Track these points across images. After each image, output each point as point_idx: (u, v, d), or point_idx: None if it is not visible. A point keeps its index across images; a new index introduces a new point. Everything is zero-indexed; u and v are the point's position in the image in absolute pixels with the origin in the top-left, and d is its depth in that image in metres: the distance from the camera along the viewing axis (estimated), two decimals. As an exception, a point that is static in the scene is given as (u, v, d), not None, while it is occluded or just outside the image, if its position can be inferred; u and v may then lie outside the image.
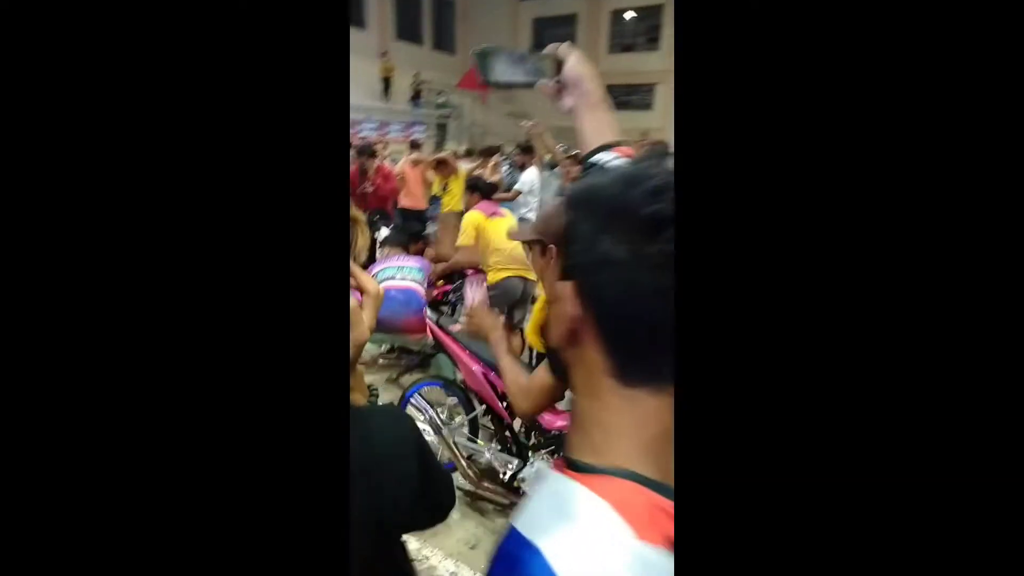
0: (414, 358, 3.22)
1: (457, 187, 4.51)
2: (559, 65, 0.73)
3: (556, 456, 0.45)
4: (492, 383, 2.02)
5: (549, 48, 0.73)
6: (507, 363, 1.11)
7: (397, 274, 2.64)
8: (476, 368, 2.06)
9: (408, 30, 13.57)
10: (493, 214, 2.93)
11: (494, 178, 4.55)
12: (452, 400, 2.32)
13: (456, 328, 2.17)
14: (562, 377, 0.50)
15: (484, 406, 2.14)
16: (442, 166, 4.79)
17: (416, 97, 12.10)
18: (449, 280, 3.28)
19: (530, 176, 4.48)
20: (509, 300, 2.87)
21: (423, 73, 12.38)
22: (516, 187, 4.46)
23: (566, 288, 0.42)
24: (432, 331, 2.24)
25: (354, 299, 0.69)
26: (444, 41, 14.79)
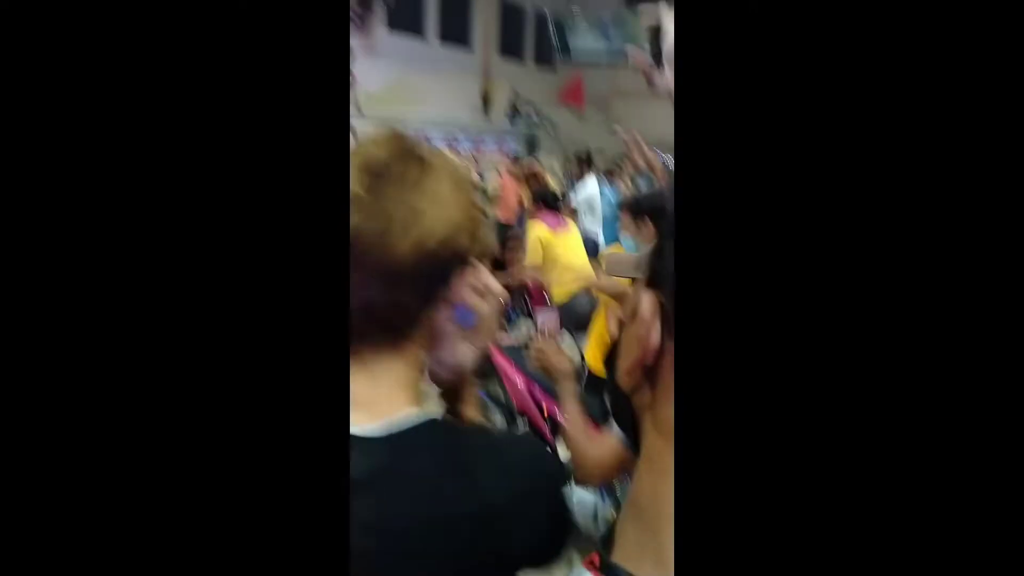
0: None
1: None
2: (657, 33, 0.54)
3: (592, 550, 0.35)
4: (536, 399, 1.92)
5: (646, 7, 0.54)
6: (574, 417, 1.00)
7: None
8: (519, 381, 1.98)
9: (511, 47, 13.86)
10: (558, 227, 2.84)
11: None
12: (494, 414, 2.22)
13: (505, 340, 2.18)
14: (630, 434, 0.43)
15: (525, 418, 2.05)
16: (533, 179, 4.72)
17: (514, 113, 12.32)
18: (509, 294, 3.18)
19: (590, 188, 4.27)
20: (580, 318, 2.76)
21: (523, 89, 12.59)
22: (574, 201, 4.25)
23: (649, 303, 0.35)
24: None
25: (484, 303, 0.64)
26: (545, 58, 14.94)
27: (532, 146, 12.30)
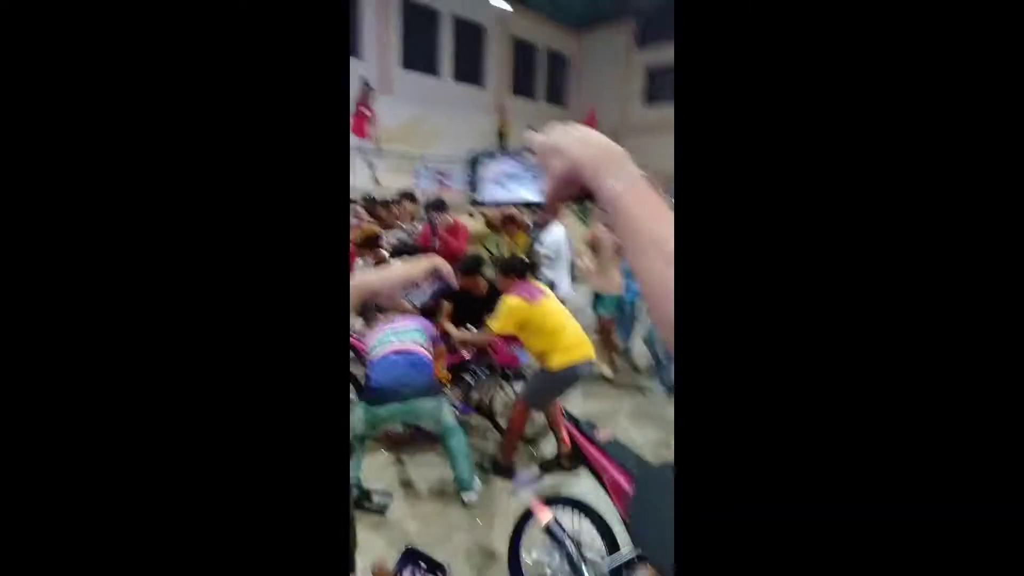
0: (425, 437, 2.84)
1: (524, 244, 4.25)
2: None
3: None
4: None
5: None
6: None
7: (395, 338, 2.47)
8: (631, 490, 1.62)
9: (523, 85, 14.17)
10: (534, 297, 2.60)
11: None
12: (591, 530, 1.76)
13: (604, 435, 1.77)
14: None
15: (639, 549, 1.56)
16: (509, 223, 4.36)
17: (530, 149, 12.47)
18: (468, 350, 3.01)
19: (555, 236, 3.93)
20: (573, 383, 2.58)
21: (536, 125, 12.77)
22: (541, 250, 3.87)
23: None
24: (573, 437, 1.78)
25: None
26: (557, 95, 15.26)
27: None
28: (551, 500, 1.89)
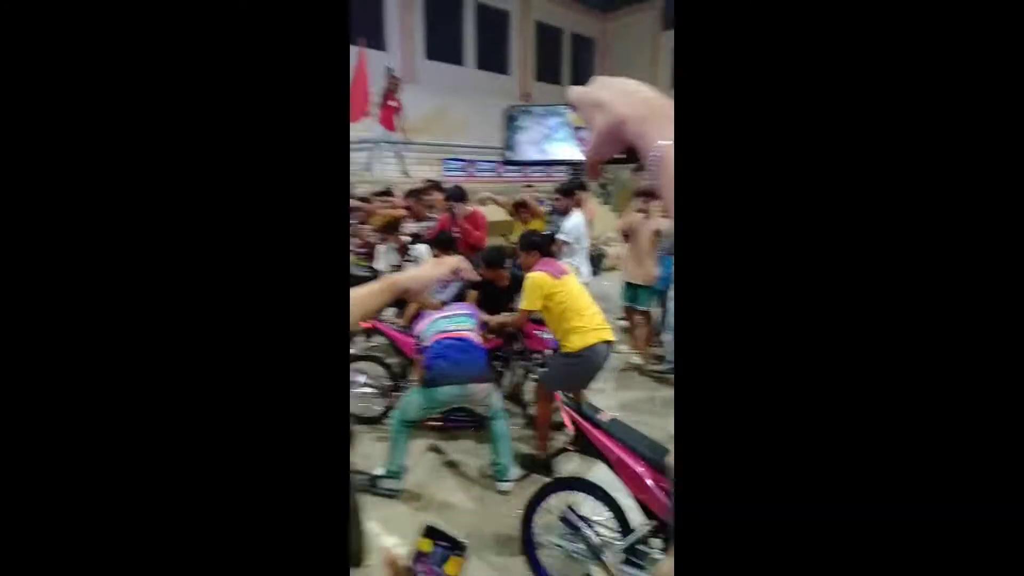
0: (472, 421, 2.89)
1: (539, 228, 4.11)
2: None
3: None
4: (665, 490, 1.55)
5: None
6: None
7: (448, 324, 2.51)
8: (640, 471, 1.61)
9: (548, 71, 14.02)
10: (560, 273, 2.60)
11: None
12: (603, 512, 1.77)
13: (607, 417, 1.78)
14: None
15: (653, 522, 1.61)
16: (522, 209, 4.23)
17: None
18: (503, 336, 3.04)
19: (574, 222, 3.85)
20: (594, 369, 2.56)
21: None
22: (560, 236, 3.77)
23: None
24: (575, 421, 1.79)
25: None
26: (583, 80, 15.03)
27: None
28: (561, 485, 1.92)
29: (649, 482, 1.59)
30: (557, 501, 1.86)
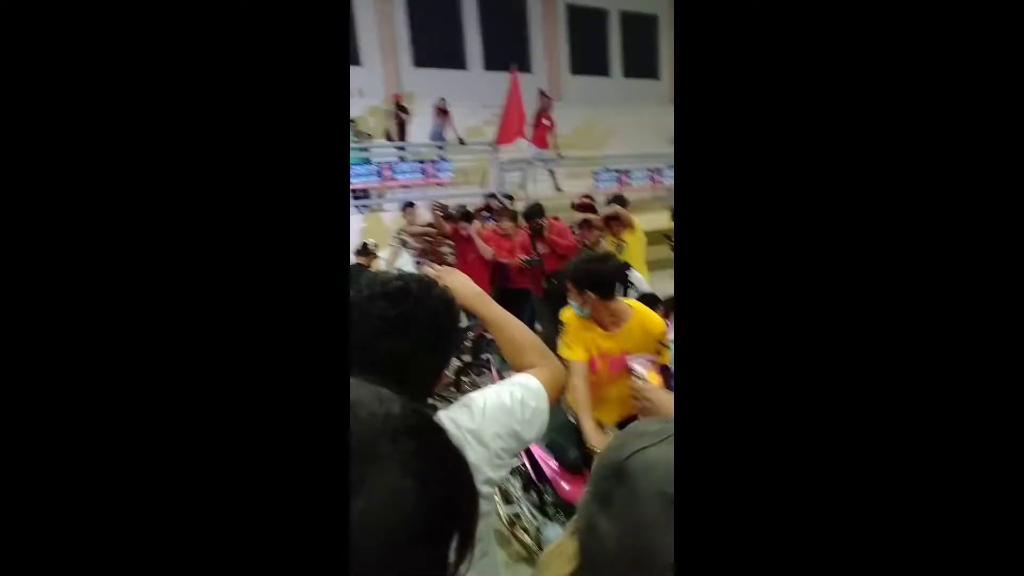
0: None
1: (635, 243, 3.65)
2: None
3: None
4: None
5: None
6: None
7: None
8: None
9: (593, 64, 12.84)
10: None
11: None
12: None
13: None
14: None
15: None
16: (614, 222, 3.78)
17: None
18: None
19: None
20: None
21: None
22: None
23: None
24: None
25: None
26: (638, 69, 13.54)
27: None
28: None
29: None
30: None
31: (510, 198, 5.66)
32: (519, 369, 0.95)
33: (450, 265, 3.61)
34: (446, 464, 0.38)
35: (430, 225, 4.64)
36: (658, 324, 2.00)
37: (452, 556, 0.36)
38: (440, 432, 0.39)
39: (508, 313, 1.03)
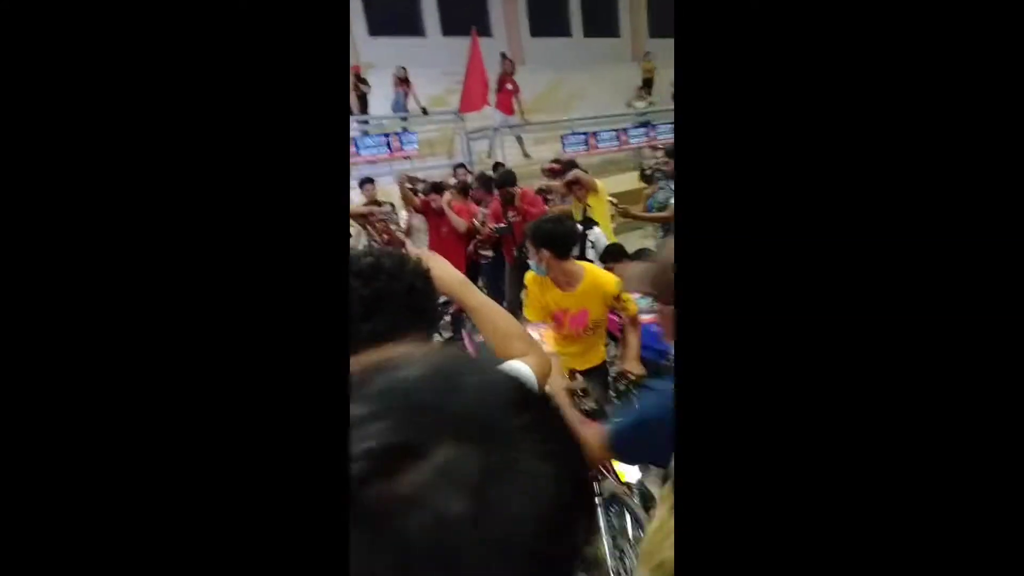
0: None
1: (598, 204, 3.55)
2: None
3: None
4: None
5: None
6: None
7: None
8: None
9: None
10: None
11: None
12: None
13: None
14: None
15: None
16: (575, 187, 3.61)
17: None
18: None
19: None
20: None
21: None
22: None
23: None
24: None
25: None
26: (598, 29, 13.61)
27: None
28: None
29: None
30: None
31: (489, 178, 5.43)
32: (505, 357, 0.94)
33: (399, 241, 3.57)
34: (569, 437, 0.32)
35: (374, 203, 4.57)
36: (611, 282, 2.07)
37: (580, 540, 0.31)
38: (549, 399, 0.34)
39: (492, 301, 1.02)
